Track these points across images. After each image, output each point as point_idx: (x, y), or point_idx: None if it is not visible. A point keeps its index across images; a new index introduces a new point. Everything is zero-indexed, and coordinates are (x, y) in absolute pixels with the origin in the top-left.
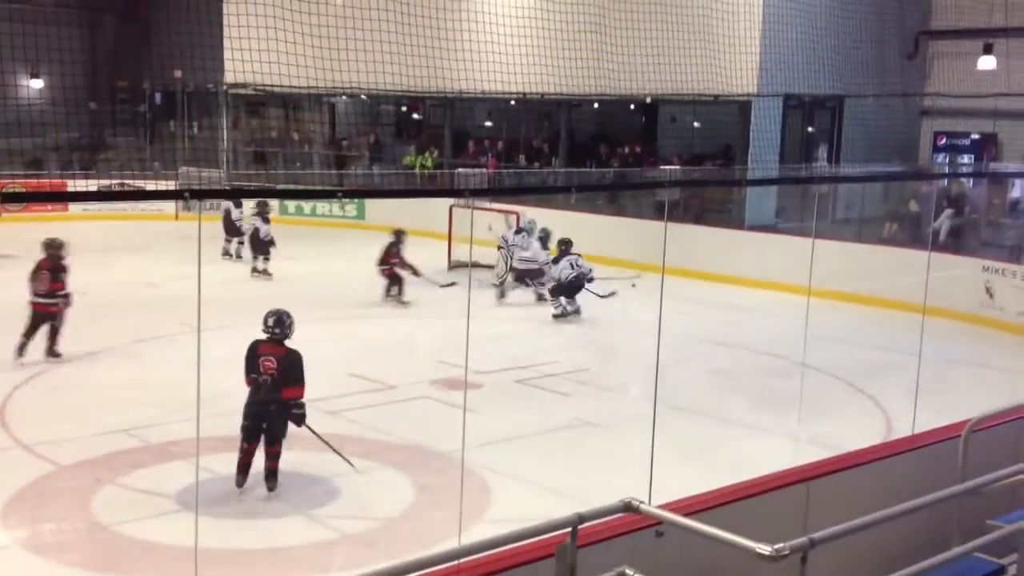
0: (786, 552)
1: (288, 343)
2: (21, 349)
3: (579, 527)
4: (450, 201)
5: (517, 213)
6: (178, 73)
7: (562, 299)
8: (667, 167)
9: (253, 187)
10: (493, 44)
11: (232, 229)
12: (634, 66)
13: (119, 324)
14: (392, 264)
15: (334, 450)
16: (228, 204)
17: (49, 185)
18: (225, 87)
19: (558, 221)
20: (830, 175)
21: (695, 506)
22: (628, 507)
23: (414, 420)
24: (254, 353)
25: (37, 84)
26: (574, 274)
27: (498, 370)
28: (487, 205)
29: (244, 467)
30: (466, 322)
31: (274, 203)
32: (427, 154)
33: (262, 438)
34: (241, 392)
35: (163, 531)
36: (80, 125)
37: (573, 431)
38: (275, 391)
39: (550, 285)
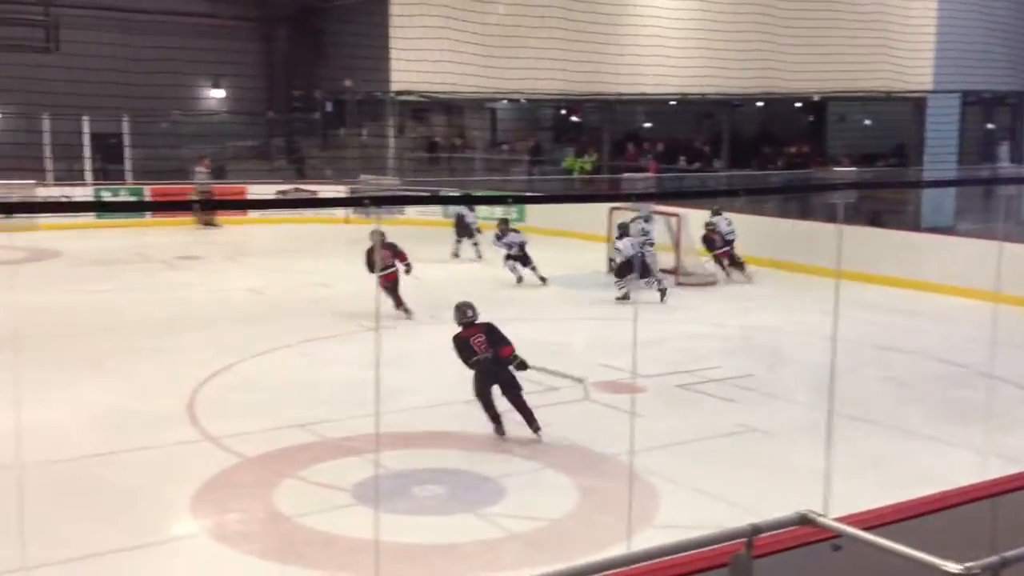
0: (977, 571)
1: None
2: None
3: (754, 538)
4: (610, 204)
5: (679, 216)
6: (348, 82)
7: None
8: (840, 168)
9: (425, 193)
10: (653, 45)
11: (465, 231)
12: (800, 63)
13: (294, 323)
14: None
15: (563, 375)
16: (462, 208)
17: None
18: (392, 94)
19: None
20: (1017, 176)
21: (874, 520)
22: (804, 519)
23: (576, 422)
24: (465, 343)
25: (219, 94)
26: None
27: (660, 374)
28: (654, 208)
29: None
30: (624, 325)
31: (437, 209)
32: (586, 157)
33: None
34: (412, 391)
35: (341, 524)
36: (258, 133)
37: (739, 438)
38: (495, 360)
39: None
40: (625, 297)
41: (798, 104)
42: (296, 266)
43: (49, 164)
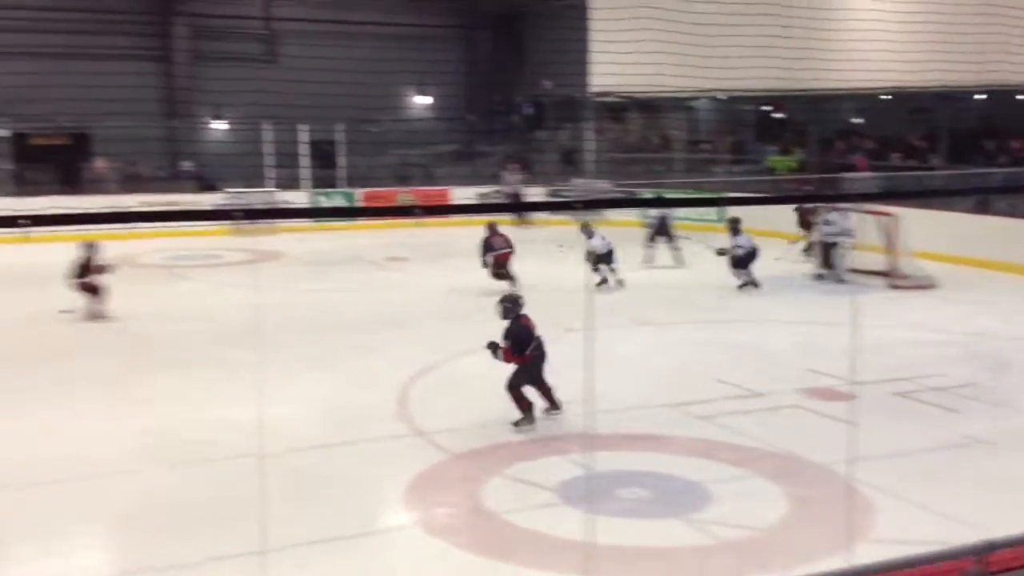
0: None
1: None
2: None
3: (988, 555)
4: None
5: (893, 216)
6: (547, 83)
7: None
8: None
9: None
10: (867, 38)
11: (663, 233)
12: None
13: (499, 323)
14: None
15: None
16: (665, 211)
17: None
18: (591, 95)
19: (940, 225)
20: None
21: None
22: None
23: (785, 429)
24: (530, 332)
25: (425, 100)
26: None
27: (874, 381)
28: (874, 208)
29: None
30: (834, 329)
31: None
32: (791, 155)
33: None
34: (616, 393)
35: (547, 522)
36: (459, 138)
37: (963, 451)
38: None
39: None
40: (747, 285)
41: (1021, 96)
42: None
43: (271, 172)
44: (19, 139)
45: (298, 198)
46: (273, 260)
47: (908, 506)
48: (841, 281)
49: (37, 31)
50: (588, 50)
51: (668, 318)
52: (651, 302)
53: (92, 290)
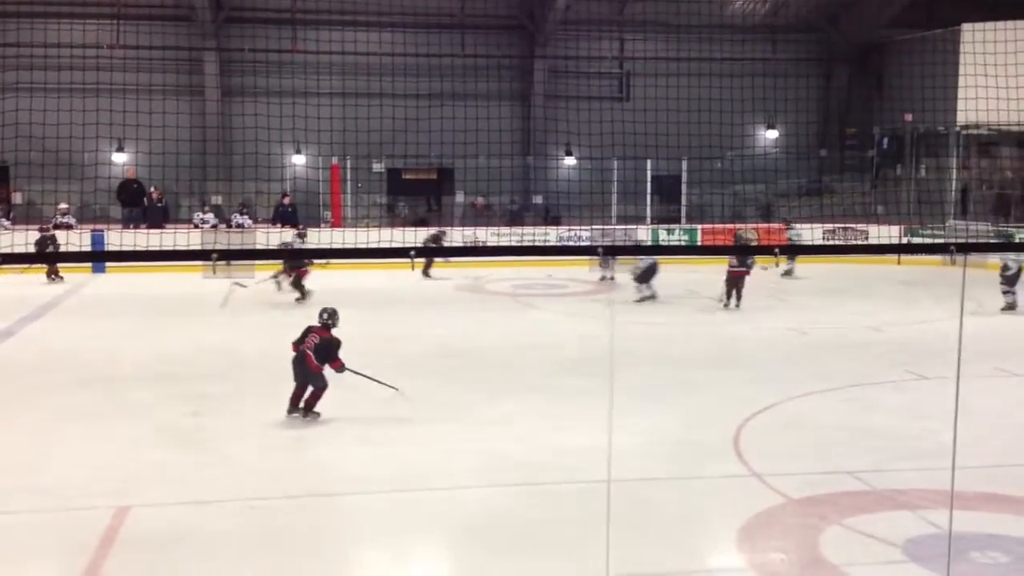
0: None
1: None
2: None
3: None
4: None
5: None
6: (908, 116)
7: None
8: None
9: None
10: None
11: None
12: None
13: (841, 366)
14: None
15: (378, 381)
16: None
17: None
18: (958, 128)
19: None
20: None
21: None
22: None
23: None
24: (306, 332)
25: (772, 134)
26: None
27: None
28: None
29: (295, 403)
30: None
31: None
32: None
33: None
34: (971, 448)
35: None
36: (809, 171)
37: None
38: (305, 360)
39: None
40: None
41: None
42: (844, 307)
43: (614, 208)
44: (394, 174)
45: (642, 234)
46: (614, 291)
47: None
48: None
49: (413, 76)
50: (956, 81)
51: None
52: (1020, 351)
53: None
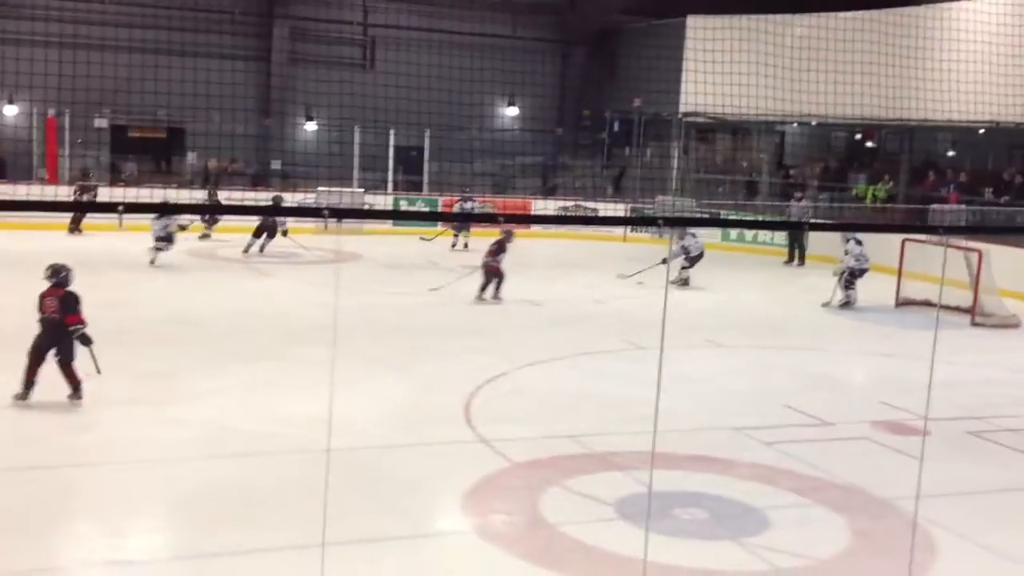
0: None
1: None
2: None
3: None
4: (903, 235)
5: (980, 252)
6: (637, 101)
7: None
8: None
9: (700, 215)
10: (964, 70)
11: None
12: None
13: (569, 336)
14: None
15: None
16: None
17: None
18: (680, 115)
19: None
20: None
21: None
22: None
23: (852, 461)
24: (40, 300)
25: (512, 112)
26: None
27: (948, 419)
28: (960, 243)
29: (29, 384)
30: (912, 363)
31: (716, 230)
32: (880, 184)
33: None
34: (679, 413)
35: (602, 536)
36: (545, 151)
37: None
38: (59, 324)
39: None
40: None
41: None
42: (574, 280)
43: (356, 173)
44: (117, 131)
45: (383, 201)
46: (353, 261)
47: (973, 547)
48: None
49: (140, 27)
50: (681, 69)
51: (743, 341)
52: (728, 324)
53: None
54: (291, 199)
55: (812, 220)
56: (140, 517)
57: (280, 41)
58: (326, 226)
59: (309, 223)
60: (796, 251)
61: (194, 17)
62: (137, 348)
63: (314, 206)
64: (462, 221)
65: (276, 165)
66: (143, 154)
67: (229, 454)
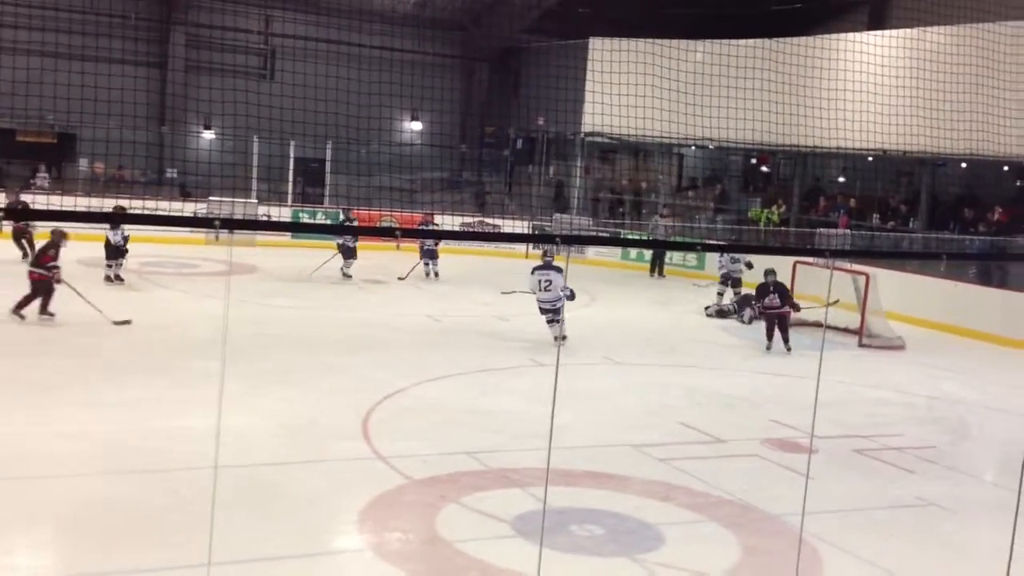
0: None
1: None
2: None
3: None
4: (794, 258)
5: (867, 275)
6: (541, 120)
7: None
8: None
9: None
10: (857, 100)
11: None
12: (1015, 126)
13: (469, 352)
14: None
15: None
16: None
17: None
18: (582, 135)
19: (914, 287)
20: None
21: None
22: None
23: (743, 477)
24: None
25: (416, 127)
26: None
27: (835, 436)
28: (847, 266)
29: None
30: (804, 383)
31: (616, 250)
32: (774, 208)
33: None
34: (577, 430)
35: (498, 554)
36: (451, 167)
37: (916, 511)
38: None
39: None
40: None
41: (1006, 167)
42: (475, 297)
43: (254, 184)
44: (5, 134)
45: (282, 213)
46: (248, 273)
47: (857, 561)
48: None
49: (26, 28)
50: (583, 90)
51: (639, 359)
52: (624, 341)
53: (45, 291)
54: (182, 208)
55: (706, 241)
56: (22, 535)
57: (177, 48)
58: (216, 237)
59: (200, 234)
60: (658, 265)
61: (90, 21)
62: (26, 360)
63: (205, 216)
64: (353, 235)
65: (171, 173)
66: (31, 159)
67: (118, 470)
